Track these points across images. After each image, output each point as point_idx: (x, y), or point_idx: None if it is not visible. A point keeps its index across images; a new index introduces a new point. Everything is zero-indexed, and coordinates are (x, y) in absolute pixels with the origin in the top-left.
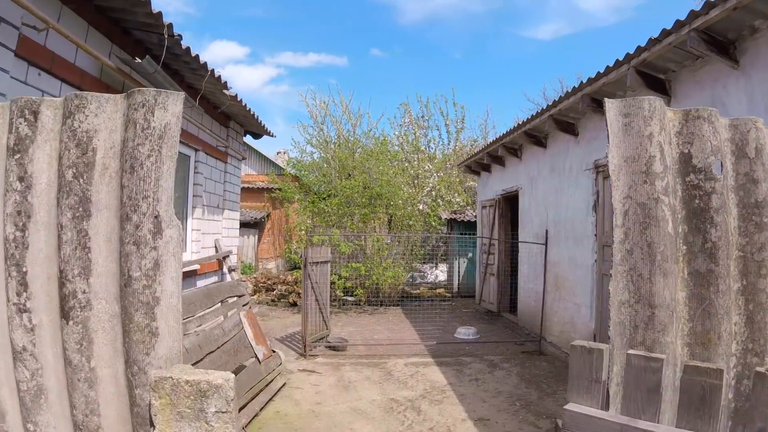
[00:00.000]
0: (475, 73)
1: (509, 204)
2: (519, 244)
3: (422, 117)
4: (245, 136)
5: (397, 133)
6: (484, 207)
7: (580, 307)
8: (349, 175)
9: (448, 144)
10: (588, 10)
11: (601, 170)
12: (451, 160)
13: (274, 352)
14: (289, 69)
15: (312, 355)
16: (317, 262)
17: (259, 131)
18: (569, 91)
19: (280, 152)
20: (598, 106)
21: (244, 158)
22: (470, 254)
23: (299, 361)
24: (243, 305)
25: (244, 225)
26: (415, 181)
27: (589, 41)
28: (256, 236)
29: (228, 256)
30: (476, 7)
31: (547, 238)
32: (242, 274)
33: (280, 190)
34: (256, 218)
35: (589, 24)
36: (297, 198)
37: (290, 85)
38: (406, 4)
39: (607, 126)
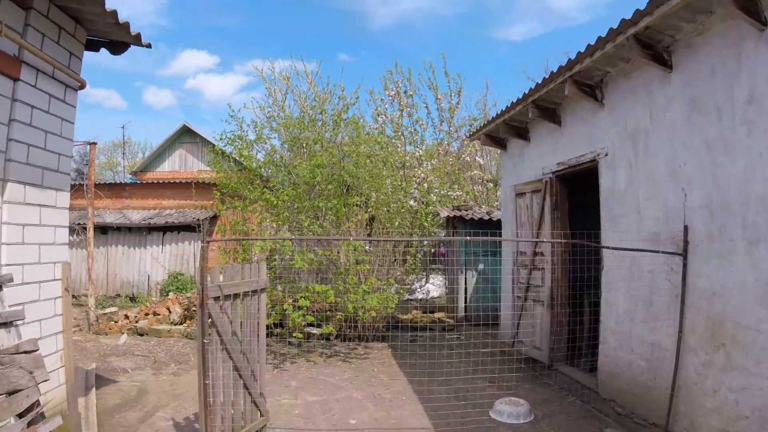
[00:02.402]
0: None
1: (568, 186)
2: (601, 255)
3: (405, 92)
4: (98, 50)
5: (379, 109)
6: (519, 194)
7: None
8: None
9: (441, 124)
10: (559, 10)
11: None
12: (445, 145)
13: None
14: (257, 76)
15: None
16: (236, 295)
17: (113, 33)
18: None
19: None
20: None
21: (81, 85)
22: (481, 266)
23: None
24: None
25: (185, 228)
26: (402, 172)
27: (562, 40)
28: (201, 242)
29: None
30: (445, 10)
31: (686, 242)
32: (178, 291)
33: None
34: (199, 219)
35: (561, 23)
36: (248, 191)
37: (261, 92)
38: (375, 9)
39: None
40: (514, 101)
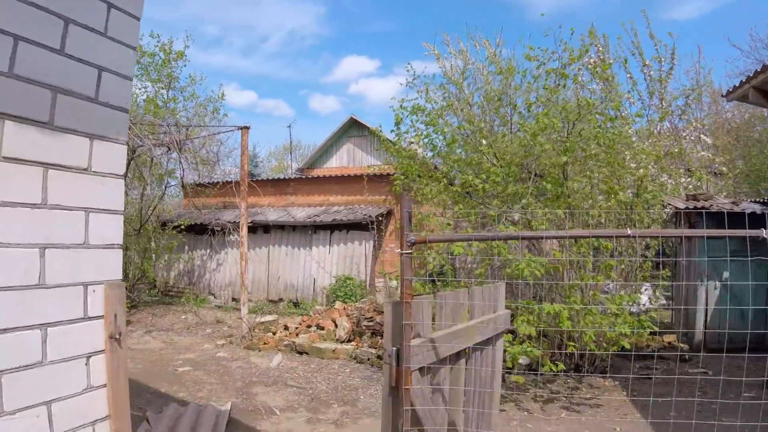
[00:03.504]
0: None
1: None
2: None
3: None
4: None
5: (580, 79)
6: None
7: None
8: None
9: (651, 98)
10: None
11: None
12: (657, 122)
13: None
14: (420, 77)
15: None
16: (459, 354)
17: None
18: None
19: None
20: None
21: None
22: (726, 273)
23: None
24: None
25: (354, 227)
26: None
27: (738, 13)
28: (372, 242)
29: None
30: None
31: None
32: (345, 301)
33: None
34: (370, 216)
35: None
36: (426, 179)
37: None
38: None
39: None
40: None
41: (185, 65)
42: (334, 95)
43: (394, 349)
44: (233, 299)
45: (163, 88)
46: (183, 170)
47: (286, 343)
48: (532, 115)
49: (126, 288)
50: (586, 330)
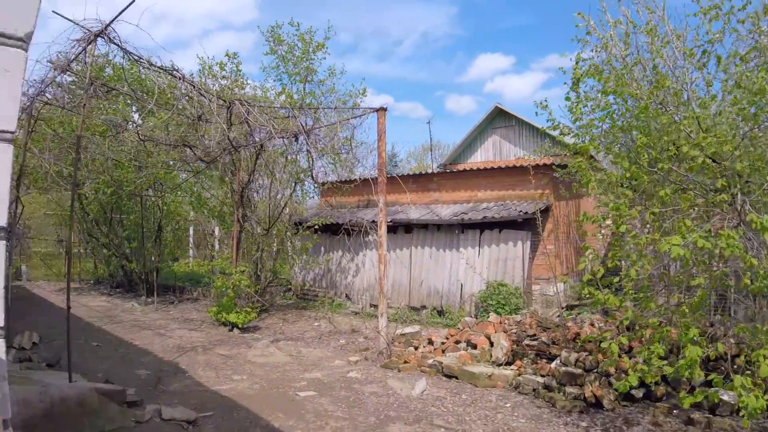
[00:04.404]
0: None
1: None
2: None
3: None
4: None
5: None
6: None
7: None
8: None
9: None
10: None
11: None
12: None
13: None
14: (557, 71)
15: None
16: None
17: None
18: None
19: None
20: None
21: None
22: None
23: None
24: None
25: (507, 225)
26: None
27: None
28: (529, 242)
29: None
30: None
31: None
32: (498, 311)
33: (563, 167)
34: (526, 212)
35: None
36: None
37: (561, 87)
38: None
39: None
40: None
41: (324, 58)
42: (469, 95)
43: None
44: (371, 305)
45: (300, 82)
46: (312, 160)
47: (430, 362)
48: (734, 74)
49: (256, 291)
50: None
